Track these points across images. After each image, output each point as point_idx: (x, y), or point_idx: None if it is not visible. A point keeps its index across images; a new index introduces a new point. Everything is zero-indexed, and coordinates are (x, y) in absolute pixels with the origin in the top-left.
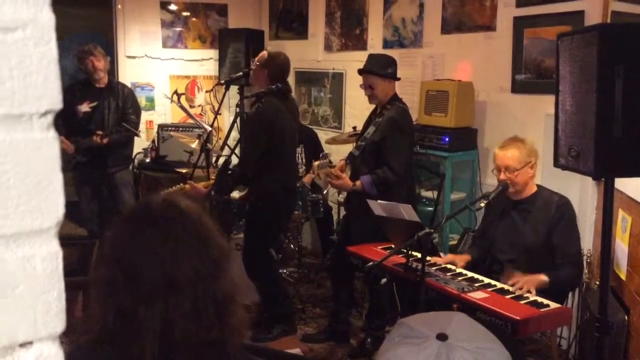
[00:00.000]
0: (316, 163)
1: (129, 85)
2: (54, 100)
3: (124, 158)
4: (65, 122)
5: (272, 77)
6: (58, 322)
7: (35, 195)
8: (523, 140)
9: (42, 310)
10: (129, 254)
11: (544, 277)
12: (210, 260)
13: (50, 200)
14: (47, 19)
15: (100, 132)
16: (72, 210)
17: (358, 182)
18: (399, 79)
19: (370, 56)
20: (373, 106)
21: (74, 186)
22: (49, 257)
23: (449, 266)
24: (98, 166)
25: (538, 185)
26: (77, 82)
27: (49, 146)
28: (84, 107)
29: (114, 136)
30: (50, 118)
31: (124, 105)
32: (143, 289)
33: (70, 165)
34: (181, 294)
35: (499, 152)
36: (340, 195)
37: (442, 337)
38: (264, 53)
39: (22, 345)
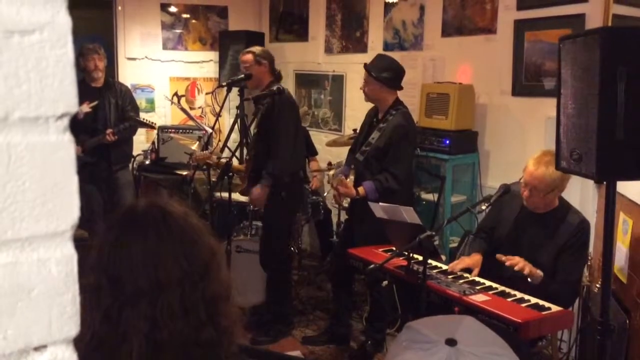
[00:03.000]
0: (331, 172)
1: (129, 86)
2: (70, 103)
3: (125, 155)
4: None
5: (272, 69)
6: (72, 326)
7: (50, 198)
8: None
9: (56, 313)
10: (112, 258)
11: (540, 272)
12: (198, 260)
13: (65, 203)
14: (64, 21)
15: (110, 130)
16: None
17: (361, 189)
18: (400, 88)
19: (377, 55)
20: (372, 107)
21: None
22: (64, 260)
23: (465, 274)
24: (103, 165)
25: (561, 200)
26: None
27: (65, 149)
28: (85, 108)
29: (126, 131)
30: (66, 121)
31: (123, 103)
32: (127, 292)
33: (77, 167)
34: (167, 294)
35: (531, 167)
36: (345, 201)
37: (451, 342)
38: (249, 57)
39: (37, 348)
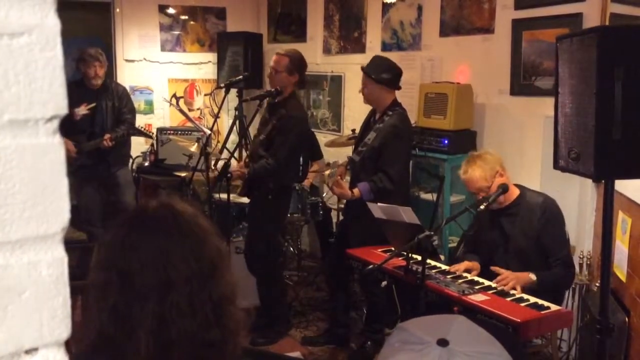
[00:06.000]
0: (327, 172)
1: (127, 88)
2: (60, 105)
3: (123, 156)
4: (62, 124)
5: (301, 81)
6: (63, 328)
7: (40, 200)
8: (479, 155)
9: (47, 316)
10: (122, 256)
11: (531, 276)
12: (206, 260)
13: (55, 205)
14: (53, 24)
15: (109, 136)
16: (73, 213)
17: (356, 190)
18: (398, 88)
19: (374, 57)
20: (371, 109)
21: (74, 188)
22: (54, 262)
23: (464, 274)
24: (102, 168)
25: (520, 187)
26: (69, 84)
27: (54, 151)
28: (82, 110)
29: (122, 137)
30: (55, 123)
31: (120, 105)
32: (136, 288)
33: (73, 167)
34: (176, 292)
35: (464, 177)
36: (340, 201)
37: (442, 342)
38: (285, 59)
39: (28, 351)
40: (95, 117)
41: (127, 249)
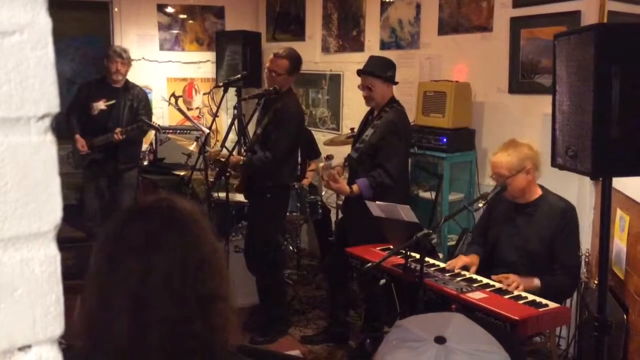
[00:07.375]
0: (321, 164)
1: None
2: (52, 103)
3: (133, 155)
4: (79, 119)
5: (297, 78)
6: (57, 325)
7: (33, 198)
8: (517, 145)
9: (40, 313)
10: (112, 241)
11: (536, 282)
12: (196, 253)
13: (48, 203)
14: (44, 22)
15: (119, 129)
16: (72, 212)
17: (355, 186)
18: (396, 83)
19: (371, 58)
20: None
21: (81, 185)
22: (47, 260)
23: (462, 272)
24: (111, 164)
25: (543, 188)
26: (93, 80)
27: (46, 150)
28: (100, 105)
29: (134, 132)
30: (47, 122)
31: (137, 106)
32: (121, 271)
33: (85, 163)
34: (156, 276)
35: (491, 158)
36: (339, 199)
37: (440, 340)
38: (285, 61)
39: (21, 348)
40: (111, 113)
41: (118, 235)
